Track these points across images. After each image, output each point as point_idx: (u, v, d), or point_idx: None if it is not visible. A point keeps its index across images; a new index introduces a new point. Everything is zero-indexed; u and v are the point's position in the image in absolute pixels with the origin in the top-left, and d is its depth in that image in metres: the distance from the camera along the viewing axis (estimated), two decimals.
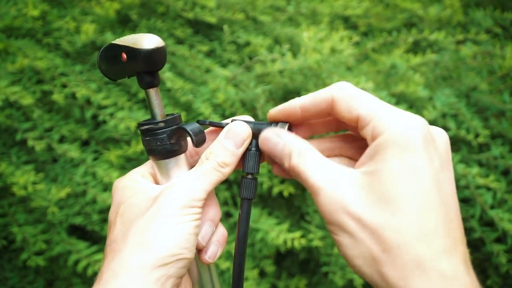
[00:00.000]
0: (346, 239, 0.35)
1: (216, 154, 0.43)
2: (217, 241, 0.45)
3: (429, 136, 0.34)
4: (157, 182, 0.45)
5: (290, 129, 0.44)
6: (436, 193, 0.33)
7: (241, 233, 0.44)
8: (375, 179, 0.34)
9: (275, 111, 0.43)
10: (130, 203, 0.42)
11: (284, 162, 0.40)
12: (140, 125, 0.43)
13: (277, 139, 0.41)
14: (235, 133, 0.43)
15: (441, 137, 0.36)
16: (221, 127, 0.45)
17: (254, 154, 0.44)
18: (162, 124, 0.43)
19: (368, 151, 0.36)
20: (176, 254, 0.39)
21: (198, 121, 0.45)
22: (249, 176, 0.44)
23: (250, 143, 0.44)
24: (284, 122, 0.44)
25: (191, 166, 0.45)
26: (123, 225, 0.41)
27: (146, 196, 0.42)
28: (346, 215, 0.35)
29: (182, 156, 0.44)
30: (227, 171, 0.43)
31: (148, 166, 0.46)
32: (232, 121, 0.45)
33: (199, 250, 0.44)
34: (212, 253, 0.44)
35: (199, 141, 0.42)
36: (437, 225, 0.32)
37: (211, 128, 0.47)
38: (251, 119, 0.45)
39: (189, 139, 0.44)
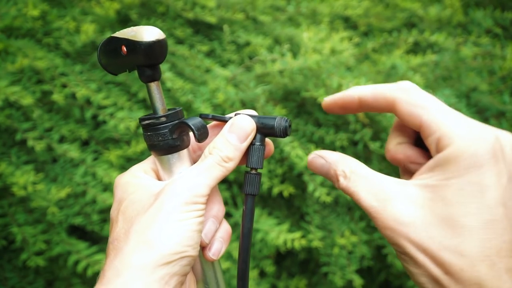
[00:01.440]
0: (408, 260, 0.34)
1: (219, 149, 0.42)
2: (221, 237, 0.44)
3: (499, 148, 0.33)
4: (159, 178, 0.44)
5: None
6: (502, 212, 0.32)
7: (245, 229, 0.43)
8: (436, 196, 0.33)
9: (330, 100, 0.41)
10: (132, 199, 0.41)
11: (334, 184, 0.39)
12: (141, 120, 0.42)
13: (321, 160, 0.40)
14: (239, 127, 0.42)
15: (510, 145, 0.33)
16: (224, 121, 0.44)
17: (258, 148, 0.43)
18: (163, 119, 0.41)
19: (430, 162, 0.35)
20: (180, 252, 0.38)
21: (200, 115, 0.43)
22: (253, 171, 0.43)
23: (254, 138, 0.43)
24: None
25: (194, 161, 0.44)
26: (125, 223, 0.40)
27: (148, 192, 0.41)
28: (405, 240, 0.34)
29: (185, 151, 0.43)
30: (231, 165, 0.42)
31: (150, 162, 0.45)
32: (235, 115, 0.44)
33: (203, 247, 0.43)
34: (216, 250, 0.43)
35: (202, 136, 0.41)
36: (500, 245, 0.31)
37: (214, 122, 0.46)
38: (254, 113, 0.44)
39: (191, 134, 0.43)
